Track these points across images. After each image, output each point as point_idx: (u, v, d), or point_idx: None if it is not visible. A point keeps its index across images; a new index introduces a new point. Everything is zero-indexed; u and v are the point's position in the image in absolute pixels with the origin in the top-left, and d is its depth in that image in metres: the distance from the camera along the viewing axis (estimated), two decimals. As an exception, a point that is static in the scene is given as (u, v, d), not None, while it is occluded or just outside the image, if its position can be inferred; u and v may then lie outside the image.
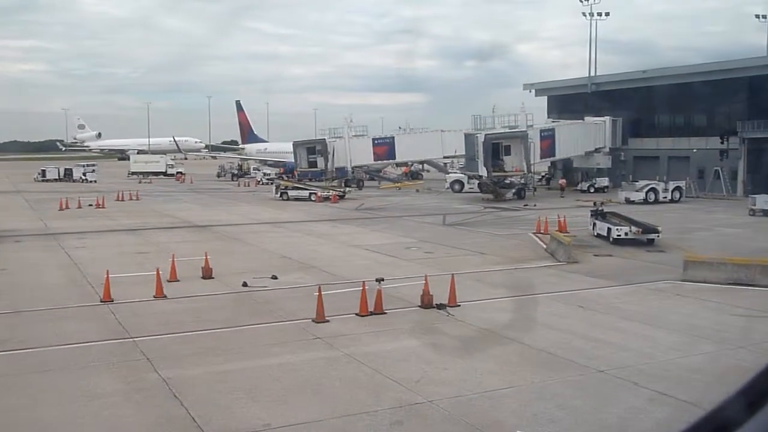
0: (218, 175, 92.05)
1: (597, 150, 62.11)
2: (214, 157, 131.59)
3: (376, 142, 69.46)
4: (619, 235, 29.07)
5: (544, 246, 28.81)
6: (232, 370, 13.37)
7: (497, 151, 51.68)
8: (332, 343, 15.07)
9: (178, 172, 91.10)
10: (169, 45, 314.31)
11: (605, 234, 30.08)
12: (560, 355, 14.06)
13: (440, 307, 18.04)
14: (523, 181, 53.34)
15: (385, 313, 17.50)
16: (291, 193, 54.38)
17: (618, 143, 63.42)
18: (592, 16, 70.06)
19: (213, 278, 22.29)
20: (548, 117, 69.57)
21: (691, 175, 56.96)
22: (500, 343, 15.16)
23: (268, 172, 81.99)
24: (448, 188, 61.40)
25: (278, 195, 54.64)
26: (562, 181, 59.22)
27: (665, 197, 49.16)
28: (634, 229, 28.96)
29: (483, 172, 51.11)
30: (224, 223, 38.33)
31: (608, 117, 62.47)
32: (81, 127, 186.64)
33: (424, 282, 18.49)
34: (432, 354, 14.28)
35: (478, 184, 54.93)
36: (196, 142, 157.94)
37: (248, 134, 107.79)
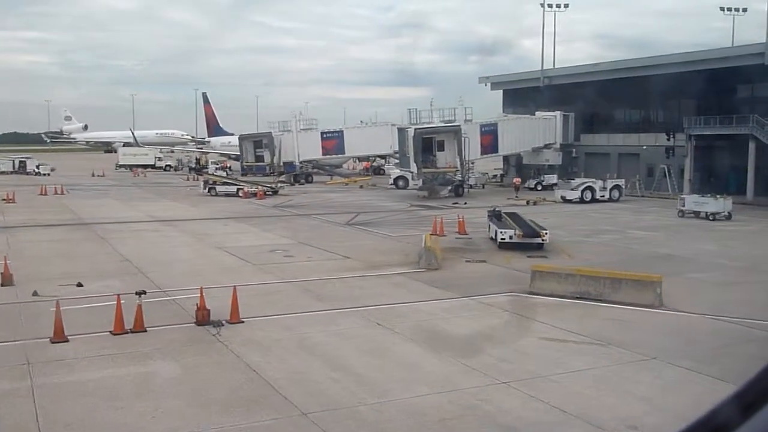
0: (175, 169, 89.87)
1: (547, 146, 59.58)
2: (201, 150, 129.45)
3: (324, 136, 67.03)
4: (504, 239, 26.72)
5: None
6: None
7: (430, 147, 49.16)
8: (37, 370, 12.80)
9: (167, 166, 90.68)
10: (174, 38, 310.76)
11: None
12: (282, 391, 11.74)
13: (216, 324, 15.76)
14: (460, 177, 50.79)
15: (146, 330, 15.23)
16: (219, 188, 52.09)
17: (570, 139, 60.87)
18: (551, 7, 67.47)
19: (13, 285, 20.01)
20: (503, 111, 67.01)
21: (640, 172, 54.55)
22: (234, 371, 12.86)
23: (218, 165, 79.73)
24: (392, 185, 59.02)
25: (206, 190, 52.35)
26: (517, 180, 55.99)
27: (603, 196, 46.68)
28: (518, 232, 26.59)
29: (414, 168, 48.67)
30: (115, 221, 36.08)
31: (559, 112, 59.95)
32: (68, 119, 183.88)
33: (199, 295, 16.18)
34: (130, 388, 11.98)
35: (422, 180, 52.48)
36: (182, 135, 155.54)
37: (214, 127, 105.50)
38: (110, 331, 15.10)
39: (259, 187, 51.54)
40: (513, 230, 26.79)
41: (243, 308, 17.04)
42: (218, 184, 52.65)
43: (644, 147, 54.79)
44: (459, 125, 49.70)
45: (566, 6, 67.74)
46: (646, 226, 34.92)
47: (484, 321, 16.63)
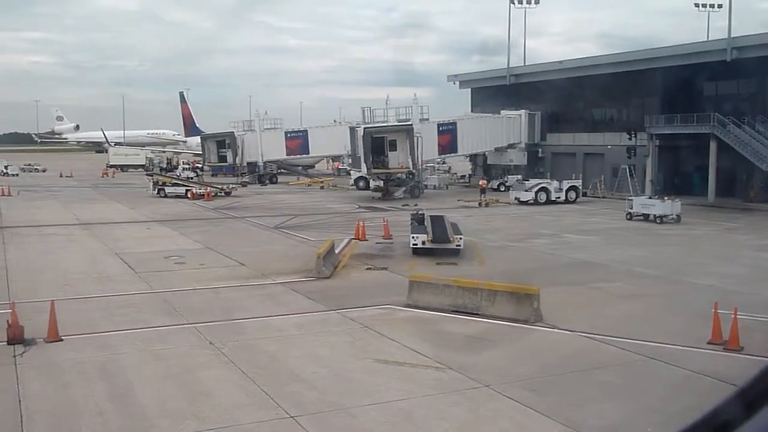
0: (146, 169, 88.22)
1: (511, 146, 57.86)
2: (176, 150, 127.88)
3: (288, 135, 65.59)
4: (416, 244, 25.12)
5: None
6: None
7: (382, 146, 47.48)
8: None
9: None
10: (177, 38, 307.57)
11: (415, 242, 26.13)
12: (28, 428, 10.20)
13: (28, 343, 14.23)
14: (416, 178, 49.20)
15: (-64, 352, 13.70)
16: (168, 189, 50.54)
17: (536, 139, 59.13)
18: (521, 3, 65.77)
19: None
20: (472, 110, 65.42)
21: (605, 172, 52.88)
22: (-5, 402, 11.30)
23: (187, 166, 78.24)
24: (352, 185, 57.49)
25: (155, 192, 50.83)
26: (482, 182, 53.12)
27: (558, 197, 44.97)
28: (429, 237, 25.00)
29: (364, 168, 47.06)
30: (34, 224, 34.64)
31: (524, 111, 58.23)
32: (59, 119, 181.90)
33: (11, 310, 14.63)
34: None
35: (383, 181, 50.91)
36: (173, 134, 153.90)
37: (191, 127, 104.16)
38: None
39: (208, 188, 50.05)
40: (425, 235, 25.20)
41: (79, 324, 15.83)
42: (167, 185, 51.10)
43: (609, 146, 53.11)
44: (411, 124, 48.02)
45: (537, 2, 65.98)
46: (587, 229, 33.27)
47: (329, 338, 15.04)
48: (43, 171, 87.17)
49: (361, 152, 46.41)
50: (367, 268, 23.14)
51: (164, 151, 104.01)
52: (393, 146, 47.52)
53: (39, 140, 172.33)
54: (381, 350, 14.13)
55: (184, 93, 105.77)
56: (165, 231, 32.71)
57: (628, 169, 49.92)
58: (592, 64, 54.83)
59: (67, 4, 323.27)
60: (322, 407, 11.09)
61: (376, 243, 28.52)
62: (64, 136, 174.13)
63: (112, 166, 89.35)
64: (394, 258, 25.26)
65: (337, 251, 25.24)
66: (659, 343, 14.45)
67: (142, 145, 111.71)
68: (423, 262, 23.75)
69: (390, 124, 49.11)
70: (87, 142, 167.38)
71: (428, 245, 24.94)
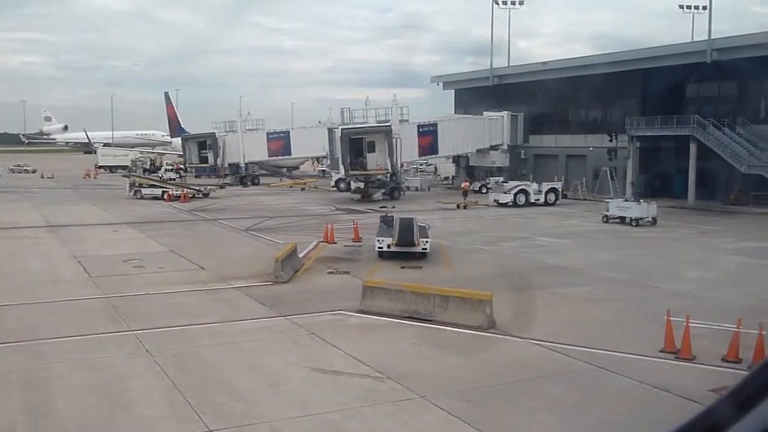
0: (128, 170, 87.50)
1: (494, 147, 57.43)
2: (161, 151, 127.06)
3: (270, 136, 65.05)
4: (381, 247, 24.67)
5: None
6: None
7: (360, 148, 47.01)
8: None
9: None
10: (171, 39, 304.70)
11: (382, 245, 25.66)
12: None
13: (-44, 351, 13.71)
14: (396, 179, 48.75)
15: None
16: (145, 191, 49.94)
17: (519, 140, 58.70)
18: (505, 5, 65.40)
19: None
20: (455, 111, 65.02)
21: (587, 174, 52.55)
22: None
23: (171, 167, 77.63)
24: (333, 186, 56.99)
25: (132, 193, 50.24)
26: (465, 184, 52.05)
27: (537, 199, 44.56)
28: (393, 240, 24.52)
29: (341, 170, 46.57)
30: (1, 227, 33.99)
31: (506, 112, 57.82)
32: (47, 119, 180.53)
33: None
34: None
35: (364, 183, 50.45)
36: (162, 135, 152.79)
37: (176, 128, 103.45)
38: None
39: (185, 190, 49.48)
40: (390, 238, 24.73)
41: (18, 330, 15.54)
42: (144, 187, 50.50)
43: (590, 148, 52.76)
44: (389, 125, 47.56)
45: (521, 3, 65.61)
46: (561, 232, 32.84)
47: (272, 346, 14.56)
48: (33, 172, 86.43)
49: (339, 154, 45.94)
50: (329, 272, 22.66)
51: (153, 152, 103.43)
52: (371, 147, 47.10)
53: (26, 141, 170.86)
54: (323, 359, 13.65)
55: (170, 93, 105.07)
56: (132, 234, 32.13)
57: (609, 171, 49.61)
58: (574, 66, 54.41)
59: (60, 4, 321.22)
60: (246, 420, 10.61)
61: (345, 246, 28.07)
62: (52, 136, 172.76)
63: (101, 167, 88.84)
64: (359, 262, 24.78)
65: (301, 255, 24.79)
66: (612, 351, 14.04)
67: (131, 146, 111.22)
68: (388, 266, 23.30)
69: (368, 125, 48.67)
70: (75, 143, 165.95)
71: (393, 249, 24.48)
